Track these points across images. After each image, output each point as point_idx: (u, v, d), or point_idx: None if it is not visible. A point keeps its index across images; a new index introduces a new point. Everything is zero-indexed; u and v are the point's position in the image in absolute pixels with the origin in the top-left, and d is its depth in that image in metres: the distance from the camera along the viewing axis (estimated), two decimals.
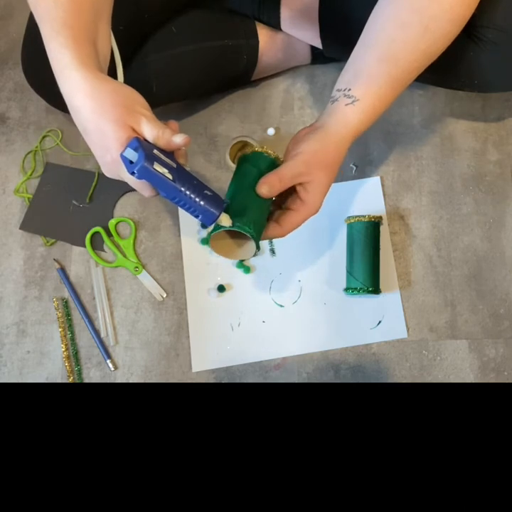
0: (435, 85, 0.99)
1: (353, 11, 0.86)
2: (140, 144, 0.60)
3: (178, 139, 0.63)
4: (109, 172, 0.66)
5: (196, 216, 0.65)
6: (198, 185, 0.65)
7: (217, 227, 0.67)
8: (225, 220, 0.66)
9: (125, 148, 0.61)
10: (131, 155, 0.60)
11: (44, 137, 1.05)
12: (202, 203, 0.64)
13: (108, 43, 0.69)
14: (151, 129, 0.62)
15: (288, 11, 0.95)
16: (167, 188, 0.62)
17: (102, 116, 0.60)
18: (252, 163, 0.72)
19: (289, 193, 0.71)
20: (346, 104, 0.70)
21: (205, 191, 0.65)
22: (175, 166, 0.63)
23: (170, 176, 0.61)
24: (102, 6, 0.67)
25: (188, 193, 0.63)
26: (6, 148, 1.06)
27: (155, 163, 0.60)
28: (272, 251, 0.98)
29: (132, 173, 0.61)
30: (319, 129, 0.70)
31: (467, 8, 0.68)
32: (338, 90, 0.71)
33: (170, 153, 0.65)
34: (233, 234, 0.70)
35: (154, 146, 0.63)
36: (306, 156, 0.68)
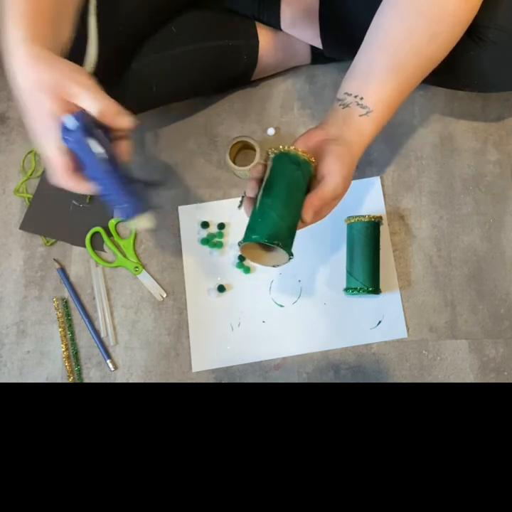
0: (435, 85, 0.99)
1: (353, 11, 0.86)
2: (84, 118, 0.59)
3: (126, 120, 0.62)
4: (39, 144, 0.63)
5: (115, 206, 0.64)
6: (126, 178, 0.63)
7: (248, 238, 0.66)
8: (142, 222, 0.66)
9: (68, 117, 0.59)
10: (71, 123, 0.59)
11: None
12: (123, 194, 0.63)
13: (70, 26, 0.68)
14: (91, 101, 0.60)
15: (288, 10, 0.95)
16: (93, 165, 0.61)
17: (41, 89, 0.60)
18: (303, 172, 0.69)
19: None
20: (361, 115, 0.70)
21: (132, 186, 0.64)
22: (112, 155, 0.62)
23: (102, 156, 0.61)
24: None
25: (113, 178, 0.62)
26: (6, 148, 1.06)
27: (92, 139, 0.60)
28: None
29: (65, 140, 0.60)
30: (340, 140, 0.70)
31: (470, 12, 0.69)
32: (348, 94, 0.71)
33: (114, 153, 0.64)
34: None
35: (103, 134, 0.62)
36: (343, 178, 0.69)
